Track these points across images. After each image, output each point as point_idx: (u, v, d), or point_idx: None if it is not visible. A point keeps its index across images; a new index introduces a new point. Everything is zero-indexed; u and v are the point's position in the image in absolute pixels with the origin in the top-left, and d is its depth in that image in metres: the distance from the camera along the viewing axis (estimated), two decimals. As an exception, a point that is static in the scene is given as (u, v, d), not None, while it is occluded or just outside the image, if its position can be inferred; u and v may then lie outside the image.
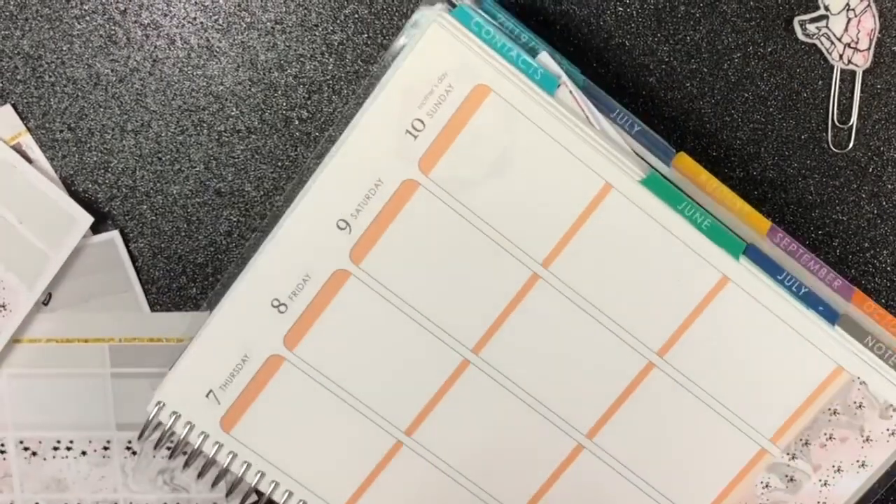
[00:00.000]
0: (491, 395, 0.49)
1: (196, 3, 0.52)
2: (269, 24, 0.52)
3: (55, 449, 0.54)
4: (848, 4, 0.51)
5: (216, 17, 0.52)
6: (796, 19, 0.51)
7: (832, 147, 0.53)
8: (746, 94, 0.52)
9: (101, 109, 0.52)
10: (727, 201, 0.49)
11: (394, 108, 0.46)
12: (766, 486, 0.50)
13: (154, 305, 0.54)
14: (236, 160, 0.53)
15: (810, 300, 0.48)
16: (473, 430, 0.50)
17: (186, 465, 0.51)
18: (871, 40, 0.52)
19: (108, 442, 0.55)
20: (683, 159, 0.49)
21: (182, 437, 0.50)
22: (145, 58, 0.52)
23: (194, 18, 0.52)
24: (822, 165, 0.53)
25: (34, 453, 0.55)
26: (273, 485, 0.51)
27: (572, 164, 0.46)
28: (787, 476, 0.50)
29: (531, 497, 0.51)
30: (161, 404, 0.50)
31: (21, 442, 0.54)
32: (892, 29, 0.52)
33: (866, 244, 0.54)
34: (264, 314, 0.49)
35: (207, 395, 0.50)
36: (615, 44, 0.52)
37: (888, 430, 0.49)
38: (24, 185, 0.52)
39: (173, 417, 0.50)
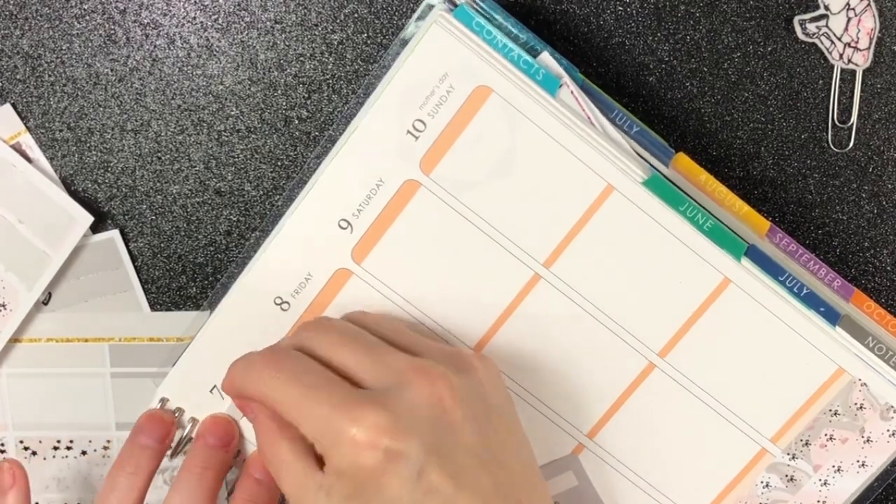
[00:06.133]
0: (492, 395, 0.49)
1: (196, 2, 0.51)
2: (268, 23, 0.52)
3: (55, 449, 0.54)
4: (848, 4, 0.51)
5: (216, 16, 0.52)
6: (796, 18, 0.51)
7: (832, 147, 0.53)
8: (746, 94, 0.52)
9: (101, 109, 0.52)
10: (725, 201, 0.49)
11: (395, 109, 0.46)
12: (767, 485, 0.51)
13: (154, 305, 0.54)
14: (236, 160, 0.53)
15: (811, 301, 0.48)
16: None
17: (188, 465, 0.51)
18: (871, 40, 0.52)
19: (108, 442, 0.54)
20: (682, 159, 0.49)
21: (186, 433, 0.50)
22: (145, 57, 0.52)
23: (194, 18, 0.52)
24: (822, 165, 0.53)
25: (34, 453, 0.54)
26: (274, 484, 0.51)
27: (574, 166, 0.46)
28: (787, 476, 0.51)
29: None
30: (165, 400, 0.50)
31: (21, 442, 0.54)
32: (892, 28, 0.52)
33: (866, 244, 0.54)
34: (267, 310, 0.48)
35: (212, 391, 0.50)
36: (615, 43, 0.52)
37: (888, 430, 0.50)
38: (24, 185, 0.52)
39: (177, 413, 0.50)
